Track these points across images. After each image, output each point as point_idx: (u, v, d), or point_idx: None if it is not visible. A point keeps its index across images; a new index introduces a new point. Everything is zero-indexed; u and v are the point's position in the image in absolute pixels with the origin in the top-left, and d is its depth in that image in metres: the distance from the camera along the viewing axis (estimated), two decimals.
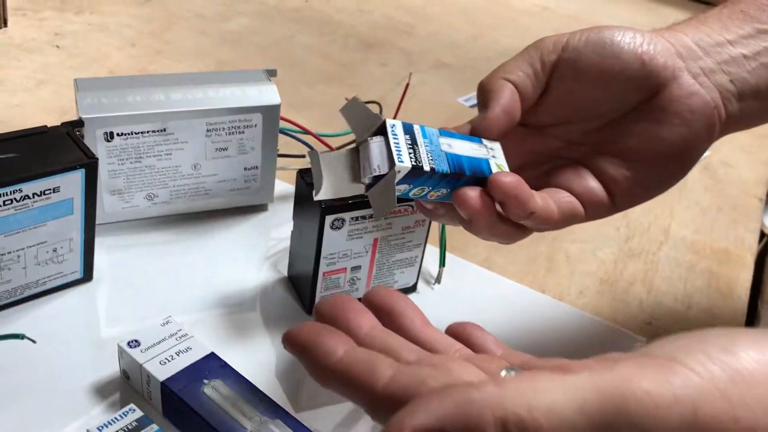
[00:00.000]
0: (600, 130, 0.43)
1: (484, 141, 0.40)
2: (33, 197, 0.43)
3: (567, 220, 0.41)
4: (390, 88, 0.81)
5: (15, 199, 0.42)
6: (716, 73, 0.41)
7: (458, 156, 0.38)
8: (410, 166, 0.36)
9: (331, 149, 0.60)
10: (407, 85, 0.71)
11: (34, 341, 0.40)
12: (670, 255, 0.66)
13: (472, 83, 0.88)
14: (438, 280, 0.55)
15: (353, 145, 0.38)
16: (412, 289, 0.54)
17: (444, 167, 0.37)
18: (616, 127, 0.42)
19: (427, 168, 0.36)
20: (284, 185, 0.60)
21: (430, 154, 0.37)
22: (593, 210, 0.42)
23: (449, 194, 0.39)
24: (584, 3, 1.16)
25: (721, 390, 0.24)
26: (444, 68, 0.89)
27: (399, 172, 0.36)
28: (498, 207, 0.38)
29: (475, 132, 0.40)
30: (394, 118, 0.71)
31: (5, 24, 0.78)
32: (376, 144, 0.36)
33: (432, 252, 0.54)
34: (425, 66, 0.88)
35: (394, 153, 0.36)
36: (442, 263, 0.54)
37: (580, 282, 0.60)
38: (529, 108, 0.42)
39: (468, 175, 0.38)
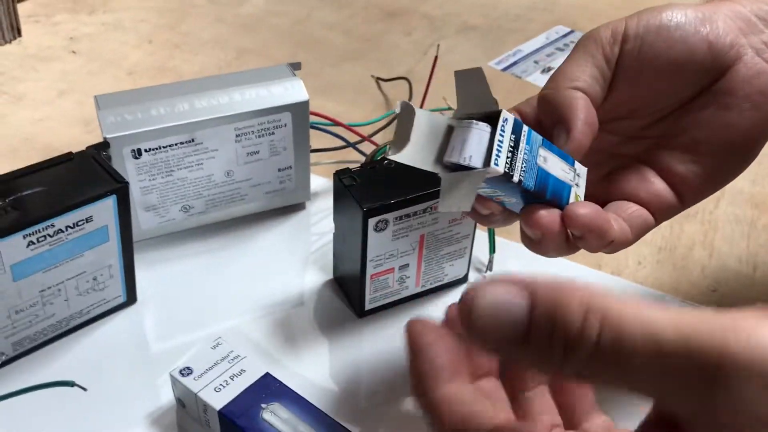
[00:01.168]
0: (662, 122, 0.39)
1: (576, 164, 0.37)
2: (66, 230, 0.42)
3: (640, 235, 0.38)
4: (417, 59, 0.78)
5: (48, 234, 0.41)
6: None
7: (547, 174, 0.35)
8: (502, 171, 0.32)
9: (364, 138, 0.58)
10: (435, 58, 0.68)
11: (84, 389, 0.39)
12: (729, 211, 0.63)
13: (501, 45, 0.85)
14: (489, 267, 0.53)
15: (450, 116, 0.34)
16: (463, 280, 0.51)
17: (531, 183, 0.34)
18: (679, 117, 0.39)
19: (515, 179, 0.33)
20: (320, 180, 0.58)
21: (524, 164, 0.33)
22: (662, 214, 0.39)
23: (517, 206, 0.36)
24: None
25: None
26: (471, 31, 0.85)
27: (489, 174, 0.32)
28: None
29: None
30: (425, 93, 0.69)
31: (19, 33, 0.76)
32: (480, 131, 0.32)
33: (481, 238, 0.52)
34: (451, 31, 0.85)
35: (494, 152, 0.32)
36: (492, 250, 0.52)
37: (637, 253, 0.57)
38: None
39: (548, 198, 0.35)
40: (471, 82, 0.34)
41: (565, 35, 0.87)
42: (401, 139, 0.32)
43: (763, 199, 0.64)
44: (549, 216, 0.35)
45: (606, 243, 0.35)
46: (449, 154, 0.32)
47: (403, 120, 0.33)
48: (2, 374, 0.43)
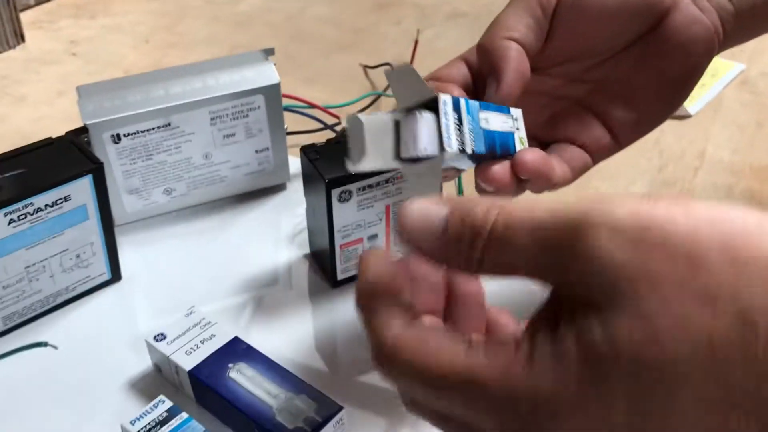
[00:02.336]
0: (602, 66, 0.41)
1: (511, 110, 0.39)
2: (45, 209, 0.44)
3: (579, 175, 0.41)
4: (405, 46, 0.80)
5: (28, 213, 0.44)
6: None
7: (492, 133, 0.37)
8: (457, 150, 0.34)
9: (341, 120, 0.60)
10: (416, 42, 0.70)
11: (55, 347, 0.41)
12: (707, 180, 0.64)
13: None
14: None
15: (393, 112, 0.35)
16: None
17: (481, 148, 0.36)
18: (618, 62, 0.40)
19: (469, 151, 0.35)
20: (299, 162, 0.60)
21: (472, 134, 0.35)
22: (600, 156, 0.41)
23: (471, 166, 0.38)
24: None
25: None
26: (460, 17, 0.87)
27: (446, 157, 0.34)
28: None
29: (491, 101, 0.39)
30: None
31: (23, 39, 0.80)
32: (425, 120, 0.34)
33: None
34: (440, 18, 0.87)
35: (444, 135, 0.34)
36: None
37: None
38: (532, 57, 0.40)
39: (498, 154, 0.37)
40: (403, 78, 0.36)
41: None
42: (358, 151, 0.34)
43: (740, 167, 0.65)
44: (501, 170, 0.37)
45: (550, 185, 0.38)
46: (405, 150, 0.34)
47: (354, 132, 0.34)
48: None
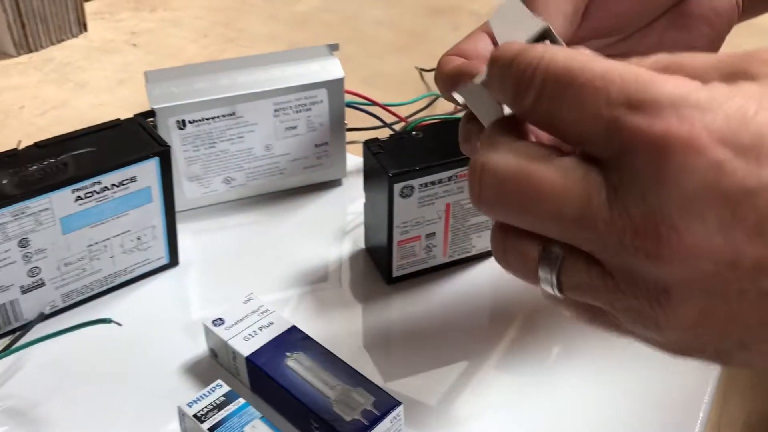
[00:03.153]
0: (627, 41, 0.41)
1: None
2: (112, 188, 0.45)
3: None
4: None
5: (95, 191, 0.44)
6: None
7: None
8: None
9: (400, 119, 0.60)
10: None
11: (120, 324, 0.42)
12: None
13: None
14: None
15: None
16: (490, 253, 0.53)
17: None
18: (644, 36, 0.40)
19: None
20: (356, 159, 0.60)
21: None
22: None
23: None
24: None
25: None
26: None
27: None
28: None
29: None
30: None
31: (85, 29, 0.81)
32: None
33: None
34: None
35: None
36: None
37: None
38: None
39: None
40: (508, 18, 0.32)
41: None
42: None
43: None
44: None
45: None
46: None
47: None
48: (52, 322, 0.47)
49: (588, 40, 0.40)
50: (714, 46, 0.40)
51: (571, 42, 0.38)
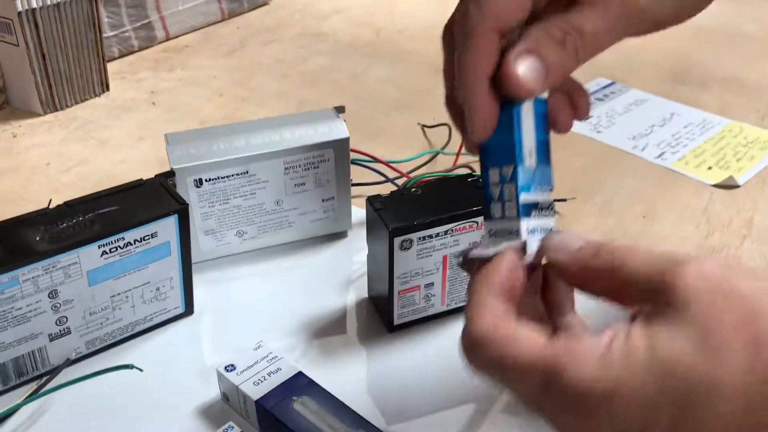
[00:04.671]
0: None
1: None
2: (135, 243, 0.49)
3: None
4: None
5: (119, 246, 0.48)
6: None
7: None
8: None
9: (402, 174, 0.64)
10: None
11: (141, 369, 0.45)
12: (754, 248, 0.66)
13: None
14: None
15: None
16: None
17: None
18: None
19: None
20: (361, 212, 0.64)
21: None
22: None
23: None
24: None
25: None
26: None
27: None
28: None
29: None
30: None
31: (107, 88, 0.87)
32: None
33: None
34: None
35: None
36: None
37: None
38: None
39: None
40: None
41: (605, 86, 0.92)
42: None
43: None
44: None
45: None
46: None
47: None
48: (76, 367, 0.50)
49: None
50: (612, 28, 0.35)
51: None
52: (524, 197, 0.35)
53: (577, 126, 0.82)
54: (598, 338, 0.28)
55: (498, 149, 0.36)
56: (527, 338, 0.29)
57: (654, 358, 0.26)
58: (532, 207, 0.35)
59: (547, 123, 0.37)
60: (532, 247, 0.34)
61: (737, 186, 0.74)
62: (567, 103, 0.37)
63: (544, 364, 0.28)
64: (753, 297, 0.26)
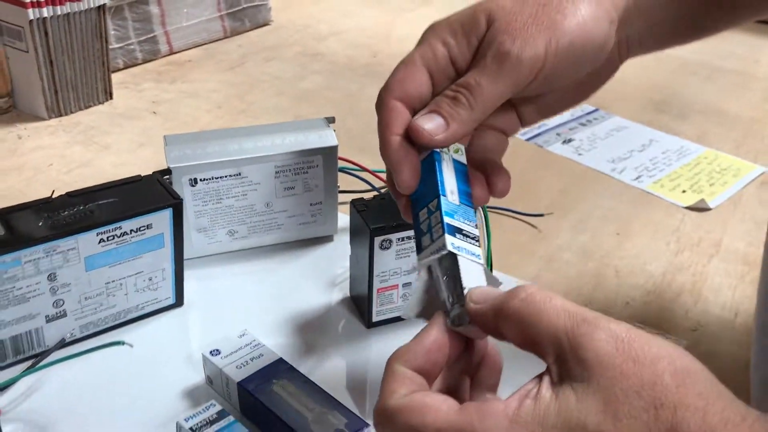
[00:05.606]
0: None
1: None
2: (130, 233, 0.52)
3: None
4: None
5: (116, 235, 0.51)
6: None
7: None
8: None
9: (385, 183, 0.67)
10: None
11: (131, 345, 0.48)
12: (720, 267, 0.69)
13: None
14: None
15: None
16: None
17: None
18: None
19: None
20: (347, 218, 0.67)
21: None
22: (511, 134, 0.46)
23: None
24: None
25: None
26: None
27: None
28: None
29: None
30: None
31: (111, 97, 0.90)
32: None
33: None
34: None
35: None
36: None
37: (626, 294, 0.64)
38: None
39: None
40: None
41: (589, 113, 0.96)
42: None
43: (754, 258, 0.70)
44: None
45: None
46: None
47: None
48: (69, 349, 0.53)
49: None
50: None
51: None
52: (448, 220, 0.38)
53: (559, 148, 0.86)
54: (508, 402, 0.30)
55: (424, 194, 0.40)
56: (441, 404, 0.31)
57: (564, 423, 0.29)
58: (456, 230, 0.37)
59: (469, 180, 0.41)
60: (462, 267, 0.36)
61: (708, 209, 0.77)
62: (481, 180, 0.42)
63: (457, 427, 0.30)
64: (654, 361, 0.29)
